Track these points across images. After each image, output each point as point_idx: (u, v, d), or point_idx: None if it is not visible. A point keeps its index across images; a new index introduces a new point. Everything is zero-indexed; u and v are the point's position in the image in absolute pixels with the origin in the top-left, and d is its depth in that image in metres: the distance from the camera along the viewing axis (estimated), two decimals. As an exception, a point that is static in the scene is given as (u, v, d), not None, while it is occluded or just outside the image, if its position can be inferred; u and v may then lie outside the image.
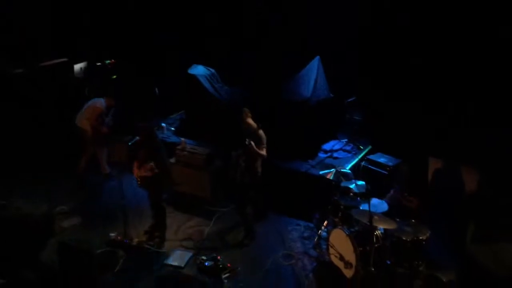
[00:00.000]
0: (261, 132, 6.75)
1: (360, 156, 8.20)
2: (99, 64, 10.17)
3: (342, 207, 6.51)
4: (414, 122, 7.87)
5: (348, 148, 8.45)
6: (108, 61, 10.32)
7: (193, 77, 8.96)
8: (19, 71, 9.81)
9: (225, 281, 6.11)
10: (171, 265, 6.40)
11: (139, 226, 7.24)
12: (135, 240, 6.79)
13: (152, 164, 6.44)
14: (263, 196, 7.27)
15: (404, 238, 5.93)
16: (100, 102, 8.22)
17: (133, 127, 6.81)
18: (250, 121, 6.77)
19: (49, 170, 8.54)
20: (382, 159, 7.71)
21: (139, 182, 6.75)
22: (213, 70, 9.23)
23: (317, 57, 8.51)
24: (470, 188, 6.86)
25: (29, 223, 6.78)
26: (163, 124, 9.41)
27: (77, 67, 9.75)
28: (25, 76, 9.81)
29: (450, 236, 6.39)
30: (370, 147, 8.45)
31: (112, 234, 6.90)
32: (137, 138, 6.81)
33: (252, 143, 6.56)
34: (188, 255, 6.61)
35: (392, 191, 6.80)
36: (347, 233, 5.94)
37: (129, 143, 8.00)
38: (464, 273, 5.55)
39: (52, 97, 9.54)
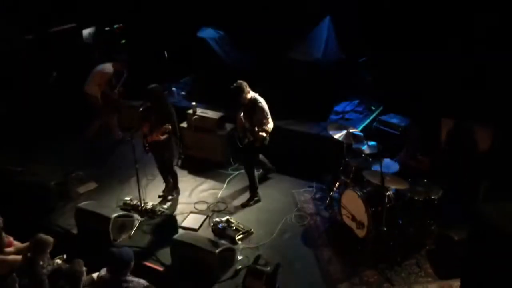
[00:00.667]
0: (261, 104, 6.54)
1: (371, 117, 8.15)
2: (107, 29, 10.09)
3: (353, 168, 6.52)
4: (426, 81, 7.75)
5: (359, 109, 8.38)
6: (116, 26, 10.23)
7: (203, 40, 8.86)
8: (29, 38, 9.78)
9: (239, 242, 6.22)
10: (186, 228, 6.52)
11: (153, 190, 7.34)
12: (150, 204, 6.90)
13: (166, 125, 6.44)
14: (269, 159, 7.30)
15: (416, 198, 5.95)
16: (108, 67, 8.15)
17: (144, 92, 6.81)
18: (250, 95, 6.54)
19: (64, 136, 8.64)
20: (394, 119, 7.66)
21: (147, 148, 6.76)
22: (222, 33, 9.12)
23: (328, 17, 8.34)
24: (483, 147, 6.81)
25: (45, 189, 6.90)
26: (174, 89, 9.39)
27: (86, 32, 9.68)
28: (35, 42, 9.79)
29: (463, 196, 6.39)
30: (381, 107, 8.38)
31: (127, 198, 7.02)
32: (148, 103, 6.81)
33: (256, 131, 6.46)
34: (201, 218, 6.72)
35: (402, 153, 6.78)
36: (359, 193, 5.97)
37: (140, 108, 8.02)
38: (476, 232, 5.57)
39: (62, 63, 9.54)
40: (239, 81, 6.51)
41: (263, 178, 7.54)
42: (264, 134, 6.52)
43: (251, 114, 6.59)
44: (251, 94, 6.56)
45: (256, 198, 7.07)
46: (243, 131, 6.70)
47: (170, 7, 10.28)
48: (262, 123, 6.53)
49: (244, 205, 6.99)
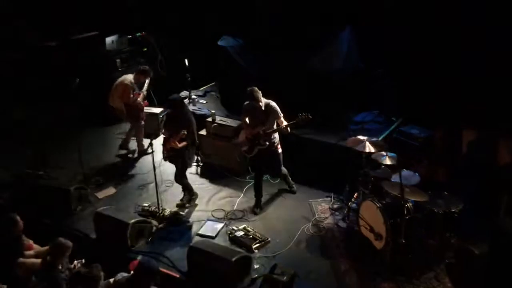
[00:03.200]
0: (274, 104, 6.67)
1: (391, 128, 8.08)
2: (130, 36, 10.23)
3: (372, 179, 6.46)
4: (447, 92, 7.67)
5: (379, 119, 8.32)
6: (138, 34, 10.38)
7: (223, 49, 8.92)
8: (52, 44, 9.96)
9: (256, 251, 6.20)
10: (203, 235, 6.53)
11: (171, 197, 7.38)
12: (168, 211, 6.93)
13: (182, 132, 6.48)
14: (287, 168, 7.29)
15: (436, 210, 5.87)
16: (128, 79, 8.12)
17: (165, 101, 6.86)
18: (263, 99, 6.66)
19: (85, 142, 8.74)
20: (414, 130, 7.58)
21: (165, 156, 6.82)
22: (242, 41, 9.17)
23: (349, 27, 8.33)
24: (505, 159, 6.70)
25: (65, 193, 6.99)
26: (194, 96, 9.46)
27: (109, 40, 9.83)
28: (57, 49, 9.97)
29: (483, 209, 6.28)
30: (402, 118, 8.30)
31: (145, 204, 7.07)
32: (168, 110, 6.87)
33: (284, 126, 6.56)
34: (219, 225, 6.72)
35: (422, 163, 6.71)
36: (377, 205, 5.91)
37: (161, 116, 8.11)
38: (496, 246, 5.47)
39: (84, 70, 9.69)
40: (251, 87, 6.62)
41: (283, 189, 7.53)
42: (288, 129, 6.59)
43: (264, 119, 6.64)
44: (263, 99, 6.66)
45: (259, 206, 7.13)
46: (251, 141, 6.73)
47: (191, 16, 10.40)
48: (280, 122, 6.64)
49: (270, 214, 7.00)
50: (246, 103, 6.78)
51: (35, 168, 7.86)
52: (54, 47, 10.00)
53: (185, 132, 6.49)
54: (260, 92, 6.62)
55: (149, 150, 8.44)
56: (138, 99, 8.14)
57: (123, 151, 8.64)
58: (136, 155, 8.63)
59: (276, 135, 6.80)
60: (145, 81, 8.28)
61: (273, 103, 6.68)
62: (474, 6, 7.31)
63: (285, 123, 6.67)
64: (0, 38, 9.45)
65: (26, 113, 9.39)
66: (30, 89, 9.41)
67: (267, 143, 6.68)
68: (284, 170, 7.24)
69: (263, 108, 6.63)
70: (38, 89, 9.45)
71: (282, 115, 6.70)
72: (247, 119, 6.81)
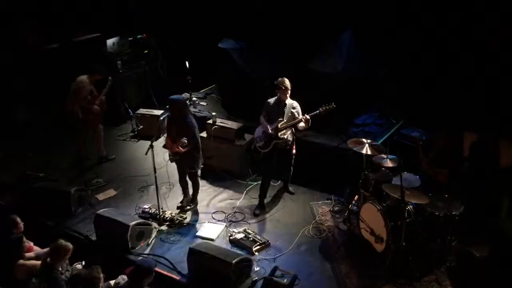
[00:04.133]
0: (297, 103, 6.80)
1: (392, 130, 8.08)
2: (131, 39, 10.25)
3: (373, 181, 6.46)
4: (447, 95, 7.67)
5: (380, 122, 8.31)
6: (140, 36, 10.39)
7: (224, 51, 8.93)
8: (54, 46, 9.98)
9: (256, 253, 6.19)
10: (203, 238, 6.52)
11: (172, 199, 7.38)
12: (168, 213, 6.93)
13: (184, 139, 6.48)
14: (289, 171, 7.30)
15: (436, 213, 5.86)
16: (82, 81, 7.85)
17: (165, 102, 6.85)
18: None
19: (86, 143, 8.74)
20: (414, 133, 7.57)
21: (171, 157, 6.84)
22: (243, 44, 9.17)
23: (349, 29, 8.34)
24: (506, 162, 6.69)
25: (65, 195, 6.99)
26: (195, 98, 9.46)
27: (110, 42, 9.85)
28: (59, 51, 9.98)
29: (484, 212, 6.27)
30: (402, 121, 8.30)
31: (146, 207, 7.07)
32: (169, 113, 6.87)
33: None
34: (219, 228, 6.72)
35: (422, 163, 6.72)
36: (378, 207, 5.91)
37: (161, 118, 8.10)
38: (497, 249, 5.46)
39: (85, 72, 9.70)
40: (282, 78, 6.72)
41: (282, 190, 7.54)
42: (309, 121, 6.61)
43: (283, 112, 6.70)
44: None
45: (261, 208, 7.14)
46: (269, 135, 6.75)
47: (192, 18, 10.42)
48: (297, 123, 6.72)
49: (271, 216, 7.01)
50: (270, 99, 6.86)
51: (36, 169, 7.86)
52: (56, 49, 10.02)
53: (185, 140, 6.48)
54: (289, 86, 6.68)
55: (110, 157, 8.47)
56: (95, 103, 7.91)
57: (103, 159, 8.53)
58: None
59: (292, 136, 6.84)
60: (107, 81, 8.05)
61: (296, 103, 6.78)
62: (475, 8, 7.33)
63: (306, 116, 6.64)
64: (2, 39, 9.46)
65: (27, 114, 9.40)
66: (31, 90, 9.40)
67: (284, 137, 6.71)
68: (291, 172, 7.27)
69: (287, 103, 6.70)
70: (39, 91, 9.44)
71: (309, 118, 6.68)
72: (264, 115, 6.89)
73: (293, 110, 6.74)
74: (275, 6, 9.26)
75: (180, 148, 6.53)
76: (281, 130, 6.70)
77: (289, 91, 6.70)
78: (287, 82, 6.69)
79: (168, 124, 6.97)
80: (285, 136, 6.75)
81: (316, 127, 7.78)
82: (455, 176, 6.48)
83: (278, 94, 6.77)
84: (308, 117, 6.57)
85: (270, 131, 6.75)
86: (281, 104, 6.75)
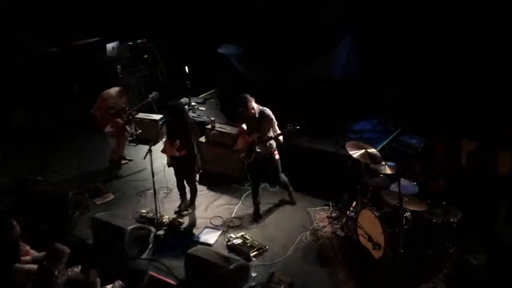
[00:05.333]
0: (268, 112, 6.61)
1: (390, 137, 8.09)
2: (130, 43, 10.27)
3: (371, 187, 6.46)
4: (446, 103, 7.69)
5: (378, 128, 8.33)
6: (139, 41, 10.41)
7: (223, 56, 8.95)
8: (53, 50, 9.99)
9: (253, 259, 6.18)
10: (200, 243, 6.51)
11: (169, 204, 7.37)
12: (166, 217, 6.92)
13: (177, 142, 6.47)
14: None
15: (434, 220, 5.86)
16: (108, 93, 7.90)
17: (164, 106, 6.86)
18: (256, 106, 6.57)
19: (84, 147, 8.74)
20: (413, 140, 7.58)
21: (168, 162, 6.83)
22: (242, 49, 9.20)
23: (349, 36, 8.37)
24: (504, 170, 6.71)
25: (63, 199, 6.97)
26: (194, 103, 9.47)
27: (110, 46, 9.86)
28: (58, 55, 9.99)
29: (482, 219, 6.28)
30: (400, 128, 8.31)
31: (144, 211, 7.05)
32: (168, 117, 6.88)
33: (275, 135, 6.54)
34: (217, 233, 6.71)
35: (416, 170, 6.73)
36: (376, 214, 5.90)
37: (160, 122, 8.11)
38: (495, 257, 5.46)
39: (85, 76, 9.71)
40: (243, 94, 6.56)
41: (285, 200, 7.51)
42: (280, 138, 6.57)
43: (259, 125, 6.61)
44: (257, 106, 6.60)
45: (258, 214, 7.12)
46: (248, 148, 6.74)
47: (192, 24, 10.45)
48: (274, 130, 6.63)
49: (268, 222, 6.95)
50: (240, 109, 6.68)
51: (33, 173, 7.85)
52: (55, 53, 10.03)
53: (178, 143, 6.48)
54: (252, 99, 6.52)
55: (123, 162, 8.46)
56: (122, 116, 7.90)
57: (124, 161, 8.57)
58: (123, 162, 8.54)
59: (273, 141, 6.76)
60: (128, 97, 8.08)
61: (268, 111, 6.62)
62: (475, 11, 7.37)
63: (278, 131, 6.64)
64: (2, 43, 9.47)
65: (26, 118, 9.40)
66: (30, 94, 9.40)
67: (260, 151, 6.64)
68: (284, 178, 7.19)
69: (256, 115, 6.59)
70: (38, 95, 9.44)
71: (276, 122, 6.66)
72: (244, 126, 6.79)
73: (266, 120, 6.58)
74: (275, 12, 9.30)
75: (175, 152, 6.53)
76: (256, 144, 6.62)
77: (252, 107, 6.51)
78: (248, 101, 6.48)
79: (167, 129, 6.99)
80: (260, 150, 6.63)
81: (314, 134, 7.82)
82: (453, 184, 6.49)
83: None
84: (280, 137, 6.54)
85: (248, 145, 6.71)
86: (251, 116, 6.60)
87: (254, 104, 6.56)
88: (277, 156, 6.88)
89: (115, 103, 7.88)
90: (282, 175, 7.15)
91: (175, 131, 6.68)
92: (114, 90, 7.96)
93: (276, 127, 6.69)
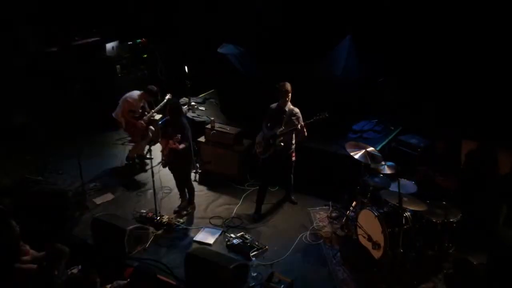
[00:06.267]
0: (297, 110, 6.74)
1: (390, 137, 8.08)
2: (130, 43, 10.26)
3: (371, 187, 6.46)
4: (446, 102, 7.69)
5: (378, 128, 8.32)
6: (139, 40, 10.41)
7: (223, 56, 8.94)
8: (53, 50, 9.99)
9: (253, 259, 6.18)
10: (200, 242, 6.51)
11: (169, 204, 7.37)
12: (165, 217, 6.92)
13: (178, 136, 6.48)
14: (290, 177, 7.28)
15: (434, 220, 5.86)
16: (133, 95, 8.02)
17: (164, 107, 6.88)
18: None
19: (83, 147, 8.72)
20: (413, 140, 7.58)
21: (163, 162, 6.81)
22: (243, 49, 9.19)
23: (349, 36, 8.36)
24: (504, 170, 6.71)
25: (63, 198, 6.97)
26: (193, 103, 9.47)
27: (109, 46, 9.85)
28: (58, 55, 9.98)
29: (482, 219, 6.28)
30: (400, 127, 8.31)
31: (143, 211, 7.05)
32: (168, 117, 6.88)
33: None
34: (216, 232, 6.71)
35: (418, 171, 6.72)
36: (375, 213, 5.90)
37: (160, 122, 8.09)
38: (495, 257, 5.46)
39: (85, 75, 9.71)
40: (284, 82, 6.66)
41: (284, 200, 7.52)
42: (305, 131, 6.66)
43: (285, 120, 6.65)
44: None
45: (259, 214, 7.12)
46: (267, 141, 6.72)
47: (191, 23, 10.44)
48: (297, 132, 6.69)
49: (267, 222, 6.95)
50: (272, 105, 6.80)
51: (34, 173, 7.84)
52: (55, 53, 10.03)
53: (179, 137, 6.49)
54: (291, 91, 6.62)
55: (148, 158, 8.42)
56: (143, 118, 8.03)
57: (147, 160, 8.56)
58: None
59: (293, 142, 6.81)
60: (151, 100, 8.19)
61: (297, 110, 6.72)
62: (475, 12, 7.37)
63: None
64: (2, 43, 9.47)
65: (26, 118, 9.39)
66: (30, 94, 9.39)
67: (282, 144, 6.67)
68: (292, 180, 7.25)
69: (287, 110, 6.65)
70: (38, 95, 9.44)
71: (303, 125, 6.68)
72: (266, 121, 6.84)
73: (293, 118, 6.69)
74: (275, 12, 9.30)
75: (177, 144, 6.52)
76: (279, 137, 6.67)
77: (289, 95, 6.66)
78: (287, 85, 6.65)
79: (164, 128, 6.98)
80: (283, 144, 6.70)
81: (314, 133, 7.80)
82: (454, 184, 6.49)
83: (279, 99, 6.75)
84: (302, 124, 6.57)
85: (269, 138, 6.74)
86: (281, 110, 6.72)
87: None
88: (293, 158, 6.93)
89: (137, 106, 8.00)
90: (292, 177, 7.21)
91: (172, 129, 6.68)
92: (136, 94, 8.05)
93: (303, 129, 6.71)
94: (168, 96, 8.29)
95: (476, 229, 6.17)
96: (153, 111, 8.16)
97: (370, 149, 6.49)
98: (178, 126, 6.65)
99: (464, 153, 7.09)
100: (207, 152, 8.06)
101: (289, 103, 6.71)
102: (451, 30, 7.68)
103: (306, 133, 6.76)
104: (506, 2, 7.18)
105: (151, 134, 8.37)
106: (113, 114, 8.08)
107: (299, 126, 6.61)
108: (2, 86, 9.26)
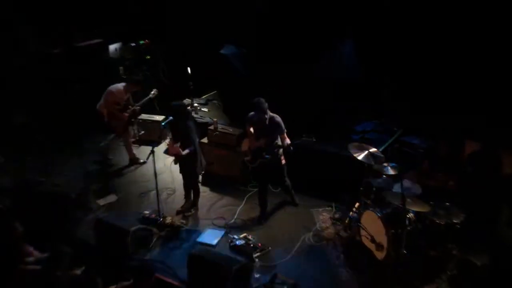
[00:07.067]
0: (279, 119, 6.59)
1: (393, 138, 8.08)
2: (133, 44, 10.28)
3: (374, 188, 6.45)
4: (449, 103, 7.68)
5: (380, 129, 8.32)
6: (142, 42, 10.43)
7: (225, 57, 8.95)
8: (56, 51, 10.01)
9: (256, 260, 6.18)
10: (203, 244, 6.51)
11: (172, 205, 7.37)
12: (169, 218, 6.92)
13: (178, 144, 6.49)
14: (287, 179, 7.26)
15: (437, 221, 5.85)
16: (117, 87, 8.00)
17: (167, 108, 6.88)
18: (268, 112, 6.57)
19: (87, 148, 8.76)
20: (415, 140, 7.58)
21: (175, 159, 6.86)
22: (244, 50, 9.19)
23: (350, 37, 8.37)
24: (507, 171, 6.69)
25: (65, 199, 6.98)
26: (196, 104, 9.48)
27: (112, 47, 9.87)
28: (61, 56, 10.01)
29: (485, 220, 6.26)
30: (403, 128, 8.30)
31: (146, 212, 7.06)
32: (171, 118, 6.89)
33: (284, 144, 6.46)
34: (219, 234, 6.71)
35: (418, 171, 6.71)
36: (379, 214, 5.90)
37: (162, 123, 8.10)
38: (498, 258, 5.45)
39: (88, 77, 9.72)
40: (259, 98, 6.52)
41: (287, 202, 7.51)
42: (286, 142, 6.52)
43: (268, 132, 6.59)
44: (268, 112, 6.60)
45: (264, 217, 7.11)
46: (254, 152, 6.72)
47: (194, 25, 10.45)
48: (283, 138, 6.58)
49: (269, 224, 6.94)
50: (251, 113, 6.69)
51: (36, 174, 7.86)
52: (58, 54, 10.06)
53: (178, 146, 6.51)
54: (266, 104, 6.52)
55: (141, 161, 8.54)
56: (127, 110, 8.04)
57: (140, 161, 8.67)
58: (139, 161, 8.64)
59: (281, 149, 6.73)
60: (136, 91, 8.19)
61: (278, 118, 6.59)
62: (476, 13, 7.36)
63: (287, 140, 6.56)
64: (4, 44, 9.49)
65: (28, 119, 9.41)
66: (33, 95, 9.41)
67: (268, 156, 6.62)
68: (288, 182, 7.22)
69: (267, 122, 6.57)
70: (40, 96, 9.46)
71: (286, 131, 6.62)
72: (251, 129, 6.77)
73: (277, 128, 6.56)
74: (276, 12, 9.29)
75: (180, 151, 6.54)
76: (264, 149, 6.60)
77: (267, 111, 6.51)
78: (266, 107, 6.48)
79: (171, 130, 7.01)
80: (269, 156, 6.60)
81: (317, 134, 7.81)
82: (456, 185, 6.48)
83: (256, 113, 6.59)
84: (291, 146, 6.44)
85: (255, 150, 6.70)
86: (261, 119, 6.56)
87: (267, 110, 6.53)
88: (283, 162, 6.89)
89: (122, 98, 7.99)
90: (287, 179, 7.16)
91: (178, 131, 6.70)
92: (121, 85, 8.05)
93: (285, 135, 6.62)
94: (153, 91, 8.26)
95: (478, 230, 6.16)
96: (137, 104, 8.17)
97: (373, 150, 6.48)
98: (182, 129, 6.65)
99: (467, 154, 7.08)
100: (210, 153, 8.06)
101: (267, 112, 6.55)
102: (453, 30, 7.67)
103: (289, 145, 6.51)
104: (506, 2, 7.17)
105: (132, 132, 8.47)
106: (97, 106, 8.08)
107: (286, 144, 6.44)
108: (3, 87, 9.28)
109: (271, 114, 6.62)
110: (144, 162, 8.55)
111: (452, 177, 6.44)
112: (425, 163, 6.71)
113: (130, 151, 8.60)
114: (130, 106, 8.10)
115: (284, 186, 7.29)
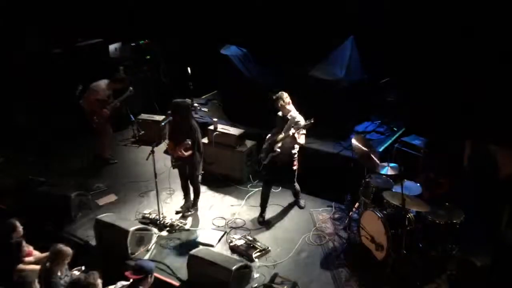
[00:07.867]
0: (299, 118, 6.58)
1: (393, 138, 8.08)
2: (133, 44, 10.28)
3: (374, 189, 6.45)
4: (450, 103, 7.68)
5: (381, 129, 8.32)
6: (142, 41, 10.43)
7: (226, 57, 8.95)
8: (56, 51, 10.01)
9: (256, 260, 6.17)
10: (203, 244, 6.51)
11: (172, 205, 7.37)
12: (168, 218, 6.92)
13: (188, 141, 6.48)
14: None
15: (437, 221, 5.84)
16: (99, 85, 8.03)
17: (167, 107, 6.87)
18: (293, 110, 6.61)
19: (87, 148, 8.75)
20: (416, 141, 7.57)
21: (173, 163, 6.84)
22: (245, 50, 9.20)
23: (351, 37, 8.37)
24: (506, 171, 6.69)
25: (66, 199, 6.98)
26: (196, 104, 9.48)
27: (112, 47, 9.86)
28: (61, 56, 10.01)
29: (485, 220, 6.26)
30: (404, 129, 8.30)
31: (146, 212, 7.06)
32: (170, 117, 6.88)
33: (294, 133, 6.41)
34: (219, 234, 6.70)
35: (422, 175, 6.70)
36: (379, 215, 5.89)
37: (162, 123, 8.11)
38: (498, 258, 5.44)
39: (88, 77, 9.71)
40: (281, 92, 6.60)
41: (292, 204, 7.48)
42: (299, 141, 6.49)
43: (285, 129, 6.58)
44: (293, 110, 6.62)
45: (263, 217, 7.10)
46: (267, 148, 6.74)
47: (194, 24, 10.45)
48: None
49: (270, 223, 6.94)
50: (279, 112, 6.74)
51: (36, 174, 7.86)
52: (59, 54, 10.06)
53: (189, 142, 6.49)
54: (285, 99, 6.53)
55: (111, 161, 8.58)
56: (106, 107, 8.08)
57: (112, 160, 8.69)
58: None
59: (296, 151, 6.74)
60: (127, 90, 8.23)
61: (299, 118, 6.55)
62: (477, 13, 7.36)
63: (301, 140, 6.53)
64: (5, 44, 9.50)
65: (29, 119, 9.42)
66: (33, 95, 9.42)
67: (279, 150, 6.61)
68: (297, 187, 7.19)
69: (289, 117, 6.58)
70: (41, 96, 9.46)
71: (304, 132, 6.55)
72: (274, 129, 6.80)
73: (293, 126, 6.53)
74: (277, 13, 9.30)
75: (183, 152, 6.53)
76: (276, 143, 6.61)
77: (286, 105, 6.56)
78: (284, 96, 6.54)
79: (171, 129, 6.98)
80: (279, 150, 6.60)
81: (317, 134, 7.80)
82: (456, 185, 6.47)
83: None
84: (291, 133, 6.40)
85: (269, 144, 6.72)
86: (285, 118, 6.65)
87: (289, 104, 6.60)
88: (295, 167, 6.88)
89: (104, 95, 8.04)
90: (296, 184, 7.16)
91: (180, 130, 6.67)
92: (103, 82, 8.08)
93: (300, 133, 6.51)
94: (131, 88, 8.29)
95: (478, 230, 6.16)
96: (116, 100, 8.20)
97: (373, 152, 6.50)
98: (186, 128, 6.62)
99: (467, 153, 7.08)
100: (210, 153, 8.05)
101: (292, 110, 6.63)
102: (453, 30, 7.67)
103: (300, 141, 6.55)
104: (506, 2, 7.16)
105: (111, 131, 8.53)
106: (81, 103, 8.09)
107: (290, 133, 6.44)
108: (3, 86, 9.29)
109: (295, 113, 6.61)
110: (116, 162, 8.61)
111: (452, 178, 6.43)
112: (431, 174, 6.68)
113: (105, 151, 8.57)
114: (110, 102, 8.12)
115: (293, 190, 7.28)
